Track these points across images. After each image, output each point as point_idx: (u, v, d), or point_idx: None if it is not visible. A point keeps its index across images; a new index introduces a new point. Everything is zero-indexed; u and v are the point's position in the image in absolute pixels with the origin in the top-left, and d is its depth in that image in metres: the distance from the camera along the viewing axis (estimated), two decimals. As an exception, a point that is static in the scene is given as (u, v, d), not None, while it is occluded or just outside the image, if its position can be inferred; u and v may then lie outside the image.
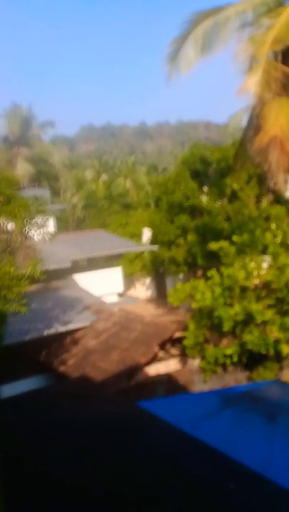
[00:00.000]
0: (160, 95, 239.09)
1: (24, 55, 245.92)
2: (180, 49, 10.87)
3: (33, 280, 10.56)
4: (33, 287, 15.31)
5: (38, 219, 11.24)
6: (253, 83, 9.12)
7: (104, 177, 46.45)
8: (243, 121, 15.05)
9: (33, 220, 11.13)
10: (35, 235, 11.48)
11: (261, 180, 19.02)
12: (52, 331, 15.11)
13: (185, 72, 10.94)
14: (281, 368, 12.80)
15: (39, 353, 15.40)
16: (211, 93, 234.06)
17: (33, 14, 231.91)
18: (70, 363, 14.44)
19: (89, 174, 46.93)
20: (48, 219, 11.96)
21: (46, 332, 15.00)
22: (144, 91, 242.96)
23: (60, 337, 15.39)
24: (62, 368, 14.34)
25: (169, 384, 12.78)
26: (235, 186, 19.96)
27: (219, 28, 10.31)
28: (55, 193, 41.76)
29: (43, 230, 11.48)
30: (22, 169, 36.97)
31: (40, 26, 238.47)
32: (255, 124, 10.84)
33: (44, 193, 27.84)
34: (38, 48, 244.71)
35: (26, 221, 10.95)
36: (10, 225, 11.05)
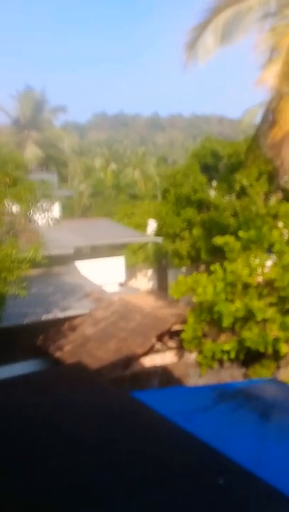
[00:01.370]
0: (175, 87, 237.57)
1: (40, 39, 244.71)
2: (199, 37, 10.65)
3: (34, 264, 10.48)
4: (35, 271, 15.19)
5: (44, 203, 11.14)
6: (271, 75, 8.91)
7: (113, 166, 46.21)
8: (258, 117, 14.85)
9: (38, 203, 11.03)
10: (40, 219, 11.39)
11: (271, 177, 18.80)
12: (50, 316, 15.07)
13: (202, 61, 10.74)
14: (278, 367, 12.70)
15: (36, 338, 15.36)
16: (226, 88, 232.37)
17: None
18: (67, 349, 14.40)
19: (98, 162, 46.70)
20: (53, 204, 11.86)
21: (44, 317, 14.96)
22: (158, 82, 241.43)
23: (58, 323, 15.35)
24: (58, 354, 14.30)
25: (164, 376, 12.72)
26: (245, 182, 19.75)
27: (241, 18, 10.07)
28: (63, 179, 41.57)
29: (47, 214, 11.38)
30: (31, 153, 36.79)
31: (57, 11, 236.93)
32: (270, 118, 10.63)
33: (52, 178, 27.63)
34: (55, 33, 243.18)
35: (31, 204, 10.85)
36: (15, 208, 10.96)
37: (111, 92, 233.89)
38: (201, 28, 10.67)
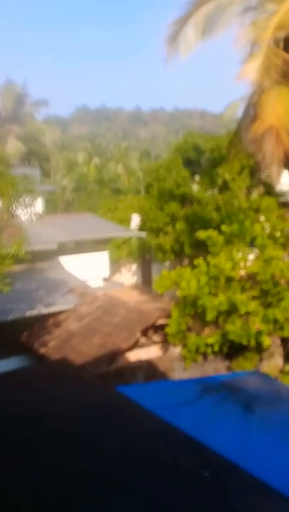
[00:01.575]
0: (157, 81, 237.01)
1: (22, 32, 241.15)
2: (180, 31, 10.60)
3: (17, 260, 10.39)
4: (18, 267, 15.09)
5: (26, 198, 11.04)
6: (252, 69, 8.93)
7: (96, 160, 45.92)
8: (239, 112, 14.91)
9: (21, 198, 10.92)
10: (22, 214, 11.28)
11: (253, 171, 18.95)
12: (34, 312, 14.96)
13: (184, 55, 10.69)
14: (261, 360, 12.84)
15: (20, 334, 15.25)
16: (208, 82, 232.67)
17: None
18: (51, 345, 14.34)
19: (81, 157, 46.32)
20: (36, 199, 11.74)
21: (28, 313, 14.84)
22: (140, 76, 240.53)
23: (43, 319, 15.26)
24: (42, 350, 14.23)
25: (149, 370, 12.76)
26: (227, 177, 19.88)
27: (222, 11, 10.04)
28: (46, 173, 41.18)
29: (30, 209, 11.28)
30: (13, 147, 36.31)
31: (38, 5, 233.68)
32: (251, 112, 10.67)
33: (34, 172, 27.39)
34: (37, 26, 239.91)
35: (13, 199, 10.74)
36: (-4, 203, 10.84)
37: (93, 85, 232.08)
38: (182, 22, 10.62)
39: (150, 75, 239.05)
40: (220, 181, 20.45)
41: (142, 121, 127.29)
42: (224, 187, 20.31)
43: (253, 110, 10.58)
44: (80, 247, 21.14)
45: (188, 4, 10.47)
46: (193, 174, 22.50)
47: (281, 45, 9.51)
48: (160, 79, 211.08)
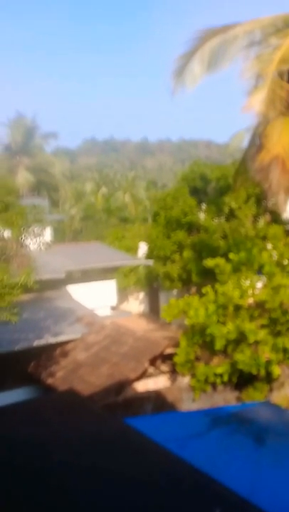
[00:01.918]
0: (163, 113, 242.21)
1: (31, 66, 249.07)
2: (186, 65, 10.92)
3: (26, 289, 10.43)
4: (26, 296, 15.11)
5: (35, 228, 11.17)
6: (257, 101, 9.15)
7: (103, 190, 46.56)
8: (245, 141, 15.16)
9: (30, 228, 11.05)
10: (31, 243, 11.40)
11: (259, 199, 19.08)
12: (42, 341, 14.89)
13: (190, 88, 10.99)
14: (271, 390, 12.62)
15: (28, 364, 15.14)
16: (213, 113, 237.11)
17: (42, 26, 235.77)
18: (59, 376, 14.19)
19: (89, 187, 47.04)
20: (44, 228, 11.88)
21: (36, 343, 14.77)
22: (147, 108, 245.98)
23: (50, 348, 15.16)
24: (50, 381, 14.09)
25: (157, 401, 12.55)
26: (234, 205, 20.02)
27: (227, 46, 10.37)
28: (54, 203, 41.71)
29: (39, 239, 11.40)
30: (22, 178, 37.00)
31: (47, 39, 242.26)
32: (257, 142, 10.86)
33: (43, 202, 27.73)
34: (45, 60, 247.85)
35: (23, 229, 10.87)
36: (6, 233, 10.97)
37: (101, 118, 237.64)
38: (188, 56, 10.94)
39: (157, 107, 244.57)
40: (226, 209, 20.60)
41: (149, 151, 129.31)
42: (231, 215, 20.44)
43: (258, 140, 10.77)
44: (87, 275, 21.18)
45: (194, 40, 10.81)
46: (199, 203, 22.69)
47: (285, 77, 9.76)
48: (166, 110, 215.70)
